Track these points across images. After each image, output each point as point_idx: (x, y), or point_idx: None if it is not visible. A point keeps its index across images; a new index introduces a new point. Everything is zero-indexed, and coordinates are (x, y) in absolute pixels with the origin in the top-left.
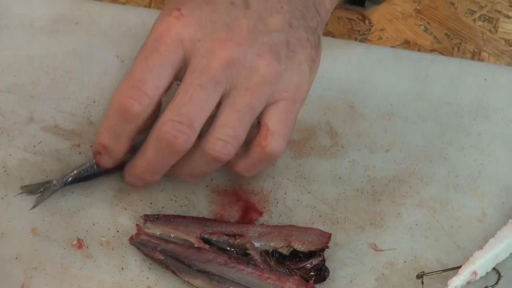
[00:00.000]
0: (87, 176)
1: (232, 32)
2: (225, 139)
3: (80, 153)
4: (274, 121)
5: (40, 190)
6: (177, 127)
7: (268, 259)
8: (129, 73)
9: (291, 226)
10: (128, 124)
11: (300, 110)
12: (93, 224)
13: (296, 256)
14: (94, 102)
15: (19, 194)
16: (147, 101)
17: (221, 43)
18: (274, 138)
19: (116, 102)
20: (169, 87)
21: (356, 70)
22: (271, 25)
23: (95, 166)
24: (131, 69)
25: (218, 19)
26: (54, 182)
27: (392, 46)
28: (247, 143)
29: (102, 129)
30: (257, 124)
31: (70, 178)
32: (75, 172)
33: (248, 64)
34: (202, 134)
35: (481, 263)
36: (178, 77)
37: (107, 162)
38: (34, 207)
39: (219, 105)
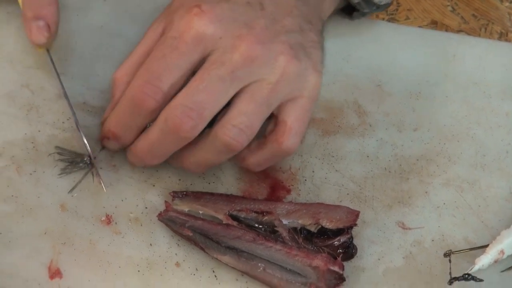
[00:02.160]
0: None
1: (253, 30)
2: (240, 127)
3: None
4: (292, 118)
5: (72, 161)
6: (187, 112)
7: (296, 236)
8: (146, 67)
9: (319, 203)
10: (140, 118)
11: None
12: (122, 200)
13: (324, 233)
14: None
15: (52, 154)
16: (162, 98)
17: (243, 40)
18: (291, 135)
19: (131, 95)
20: (185, 83)
21: (384, 50)
22: (287, 26)
23: None
24: (149, 64)
25: (238, 17)
26: (86, 159)
27: (420, 26)
28: (259, 138)
29: (113, 116)
30: (272, 121)
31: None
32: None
33: (270, 61)
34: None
35: (508, 242)
36: (195, 70)
37: (114, 147)
38: (61, 174)
39: (235, 96)
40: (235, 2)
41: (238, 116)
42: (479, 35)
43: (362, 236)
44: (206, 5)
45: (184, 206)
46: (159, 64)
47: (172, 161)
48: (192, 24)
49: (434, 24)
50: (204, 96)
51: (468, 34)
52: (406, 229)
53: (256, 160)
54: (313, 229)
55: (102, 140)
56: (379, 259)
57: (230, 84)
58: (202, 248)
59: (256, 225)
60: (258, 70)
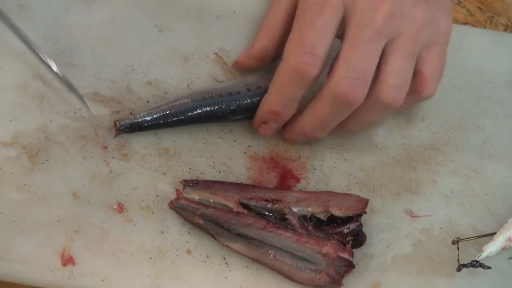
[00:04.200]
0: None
1: None
2: (396, 84)
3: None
4: (428, 67)
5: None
6: (354, 82)
7: (306, 224)
8: (297, 36)
9: (328, 192)
10: (303, 89)
11: None
12: (133, 189)
13: (333, 221)
14: (133, 70)
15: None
16: (322, 63)
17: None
18: (429, 84)
19: (292, 68)
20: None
21: None
22: None
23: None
24: (299, 32)
25: None
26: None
27: None
28: None
29: (273, 95)
30: None
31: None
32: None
33: (407, 14)
34: None
35: None
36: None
37: (272, 130)
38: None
39: (382, 55)
40: None
41: (391, 74)
42: (485, 27)
43: (371, 224)
44: None
45: (194, 195)
46: (310, 31)
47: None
48: None
49: None
50: (363, 62)
51: (474, 26)
52: (414, 217)
53: (400, 109)
54: (322, 217)
55: (258, 129)
56: (387, 246)
57: (379, 42)
58: (213, 236)
59: (266, 213)
60: (398, 24)
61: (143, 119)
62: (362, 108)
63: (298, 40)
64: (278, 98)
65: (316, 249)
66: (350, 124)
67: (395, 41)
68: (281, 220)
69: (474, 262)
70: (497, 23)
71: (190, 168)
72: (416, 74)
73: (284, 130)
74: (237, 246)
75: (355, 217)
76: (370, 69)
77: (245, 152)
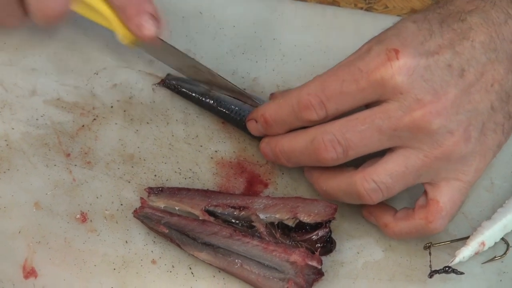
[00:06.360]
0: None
1: (437, 100)
2: (379, 185)
3: (83, 125)
4: (445, 199)
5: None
6: (334, 144)
7: (273, 231)
8: (322, 80)
9: (296, 198)
10: (295, 120)
11: None
12: (97, 198)
13: (302, 228)
14: (97, 74)
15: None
16: (323, 116)
17: (421, 107)
18: (441, 216)
19: (298, 100)
20: (348, 112)
21: (363, 40)
22: (474, 102)
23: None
24: (327, 79)
25: (430, 78)
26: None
27: (399, 15)
28: (407, 208)
29: (273, 105)
30: (422, 195)
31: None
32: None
33: (436, 136)
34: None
35: (489, 233)
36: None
37: (258, 131)
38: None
39: (390, 149)
40: (436, 61)
41: (383, 173)
42: None
43: (341, 230)
44: (403, 53)
45: (160, 202)
46: (335, 85)
47: (308, 172)
48: (380, 67)
49: (415, 13)
50: (357, 138)
51: None
52: None
53: (399, 230)
54: (291, 223)
55: (248, 122)
56: (358, 253)
57: (387, 139)
58: (178, 245)
59: (233, 221)
60: (420, 140)
61: (187, 86)
62: (337, 175)
63: (321, 82)
64: (274, 111)
65: (283, 257)
66: (317, 181)
67: (407, 150)
68: (248, 227)
69: (447, 268)
70: None
71: (155, 175)
72: (430, 201)
73: (263, 139)
74: (203, 255)
75: (324, 223)
76: (359, 148)
77: (211, 158)
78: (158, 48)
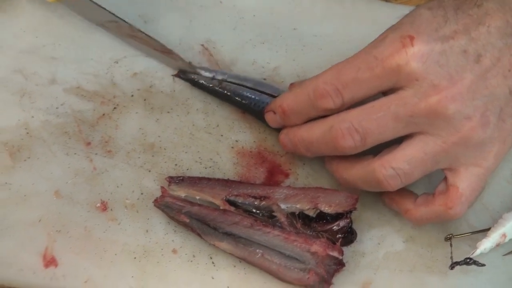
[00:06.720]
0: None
1: (453, 85)
2: (398, 172)
3: (103, 114)
4: (464, 185)
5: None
6: (352, 132)
7: (294, 221)
8: (339, 68)
9: (317, 188)
10: (312, 110)
11: None
12: (117, 187)
13: (322, 218)
14: (117, 63)
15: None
16: (340, 104)
17: (437, 92)
18: (461, 202)
19: (314, 90)
20: (364, 100)
21: (382, 30)
22: (491, 87)
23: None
24: (343, 67)
25: (445, 64)
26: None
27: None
28: (427, 194)
29: (290, 96)
30: (443, 180)
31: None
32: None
33: (453, 122)
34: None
35: (510, 225)
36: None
37: (275, 122)
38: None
39: (406, 136)
40: (451, 46)
41: (401, 160)
42: None
43: (362, 220)
44: (418, 40)
45: (180, 192)
46: (350, 73)
47: (329, 163)
48: (396, 54)
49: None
50: (373, 126)
51: None
52: None
53: (419, 215)
54: (311, 213)
55: (266, 113)
56: (379, 243)
57: (404, 126)
58: (199, 235)
59: (254, 211)
60: (438, 126)
61: (202, 77)
62: (355, 163)
63: (337, 70)
64: (291, 101)
65: (304, 248)
66: (336, 170)
67: (425, 136)
68: (269, 217)
69: (468, 260)
70: None
71: (175, 164)
72: (450, 187)
73: (282, 131)
74: (224, 245)
75: (345, 214)
76: (376, 136)
77: (232, 147)
78: (78, 2)
